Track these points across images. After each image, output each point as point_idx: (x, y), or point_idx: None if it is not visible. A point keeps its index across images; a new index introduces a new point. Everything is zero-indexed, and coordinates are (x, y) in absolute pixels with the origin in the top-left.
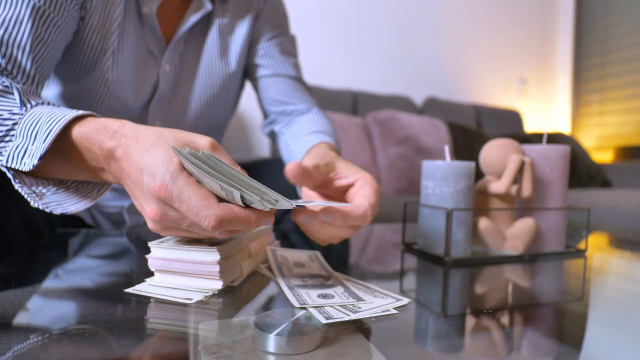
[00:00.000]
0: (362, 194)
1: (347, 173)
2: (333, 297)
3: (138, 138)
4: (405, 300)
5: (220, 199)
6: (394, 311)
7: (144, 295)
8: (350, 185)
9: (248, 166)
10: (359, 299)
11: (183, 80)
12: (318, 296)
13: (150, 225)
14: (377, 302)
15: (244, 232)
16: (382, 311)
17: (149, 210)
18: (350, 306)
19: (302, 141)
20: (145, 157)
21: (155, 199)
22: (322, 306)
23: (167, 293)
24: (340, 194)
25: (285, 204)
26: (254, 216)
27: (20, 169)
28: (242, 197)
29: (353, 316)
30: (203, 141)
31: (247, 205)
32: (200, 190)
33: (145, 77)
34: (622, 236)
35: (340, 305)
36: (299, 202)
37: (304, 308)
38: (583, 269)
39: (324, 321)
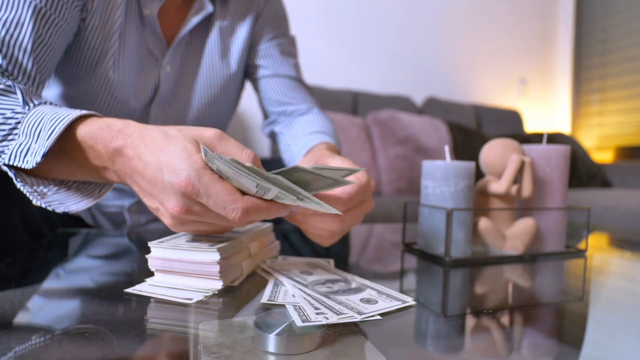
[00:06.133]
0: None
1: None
2: (377, 302)
3: (145, 138)
4: (409, 301)
5: (243, 193)
6: (378, 317)
7: (144, 295)
8: None
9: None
10: (404, 301)
11: (184, 82)
12: (361, 301)
13: (168, 220)
14: (380, 305)
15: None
16: (368, 317)
17: (171, 207)
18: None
19: (302, 142)
20: (162, 157)
21: (179, 195)
22: (298, 304)
23: (167, 293)
24: None
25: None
26: (275, 207)
27: (22, 166)
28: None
29: (332, 320)
30: (209, 133)
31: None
32: (226, 185)
33: (146, 79)
34: (622, 236)
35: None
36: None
37: (276, 305)
38: (583, 269)
39: (299, 323)
